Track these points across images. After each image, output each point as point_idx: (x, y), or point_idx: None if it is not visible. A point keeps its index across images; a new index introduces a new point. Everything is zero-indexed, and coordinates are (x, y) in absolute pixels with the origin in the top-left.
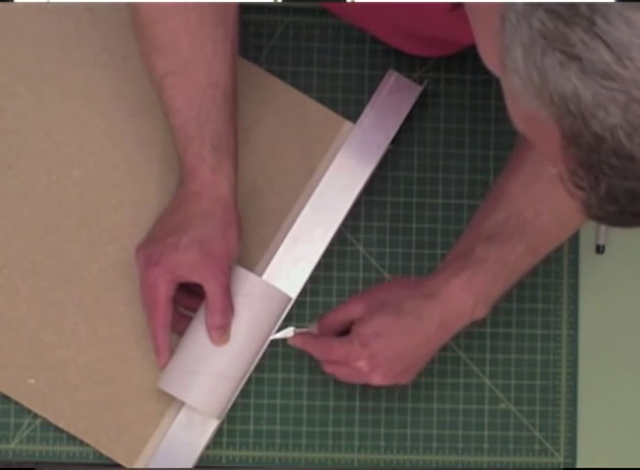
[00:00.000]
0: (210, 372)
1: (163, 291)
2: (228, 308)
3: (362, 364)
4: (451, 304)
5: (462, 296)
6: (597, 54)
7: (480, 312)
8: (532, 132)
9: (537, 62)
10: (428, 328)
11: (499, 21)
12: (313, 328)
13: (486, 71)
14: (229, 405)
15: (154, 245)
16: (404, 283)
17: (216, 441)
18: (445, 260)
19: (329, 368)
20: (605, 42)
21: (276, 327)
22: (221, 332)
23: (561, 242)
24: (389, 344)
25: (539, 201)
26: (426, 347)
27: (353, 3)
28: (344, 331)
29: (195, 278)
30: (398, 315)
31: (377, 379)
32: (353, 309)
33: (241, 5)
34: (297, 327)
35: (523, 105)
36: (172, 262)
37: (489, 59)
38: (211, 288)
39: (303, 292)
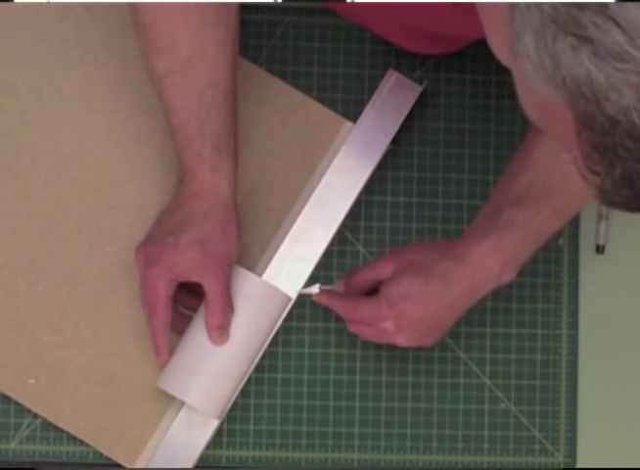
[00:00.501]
0: (210, 372)
1: (163, 290)
2: (228, 308)
3: (389, 325)
4: (479, 267)
5: (490, 259)
6: (609, 36)
7: (509, 276)
8: (545, 119)
9: (549, 46)
10: (455, 291)
11: (508, 9)
12: (339, 285)
13: (486, 72)
14: (229, 405)
15: (153, 244)
16: (433, 246)
17: (216, 441)
18: (472, 225)
19: (354, 327)
20: (617, 23)
21: (276, 327)
22: (220, 332)
23: (587, 204)
24: (417, 306)
25: (564, 165)
26: (452, 310)
27: (356, 2)
28: (371, 290)
29: (194, 278)
30: (427, 278)
31: (402, 340)
32: (382, 269)
33: (241, 5)
34: (322, 284)
35: (535, 91)
36: (172, 262)
37: (499, 49)
38: (211, 287)
39: None
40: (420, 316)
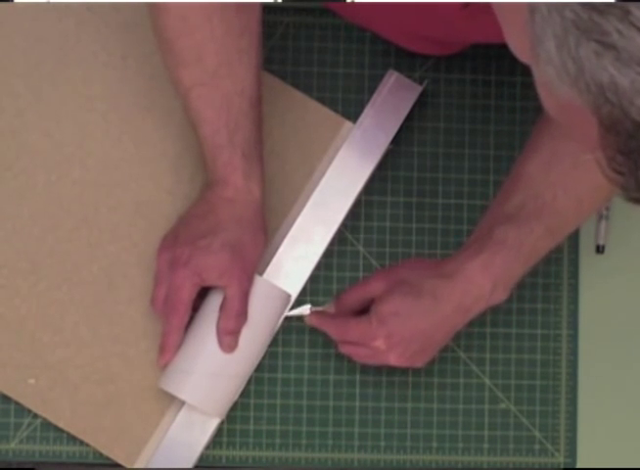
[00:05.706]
0: (209, 370)
1: (187, 293)
2: (243, 315)
3: (379, 343)
4: (469, 285)
5: (480, 278)
6: (633, 42)
7: (500, 295)
8: (567, 120)
9: (572, 52)
10: (445, 309)
11: (528, 12)
12: (330, 306)
13: (486, 72)
14: (231, 404)
15: (182, 247)
16: (425, 263)
17: (216, 441)
18: (465, 243)
19: (345, 348)
20: None
21: (277, 325)
22: (231, 337)
23: (579, 224)
24: (407, 323)
25: (557, 183)
26: (443, 328)
27: (358, 3)
28: (361, 310)
29: (220, 282)
30: (417, 296)
31: (393, 359)
32: (372, 287)
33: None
34: (313, 304)
35: (557, 94)
36: (202, 265)
37: (519, 49)
38: (233, 293)
39: (303, 292)
40: (410, 334)
